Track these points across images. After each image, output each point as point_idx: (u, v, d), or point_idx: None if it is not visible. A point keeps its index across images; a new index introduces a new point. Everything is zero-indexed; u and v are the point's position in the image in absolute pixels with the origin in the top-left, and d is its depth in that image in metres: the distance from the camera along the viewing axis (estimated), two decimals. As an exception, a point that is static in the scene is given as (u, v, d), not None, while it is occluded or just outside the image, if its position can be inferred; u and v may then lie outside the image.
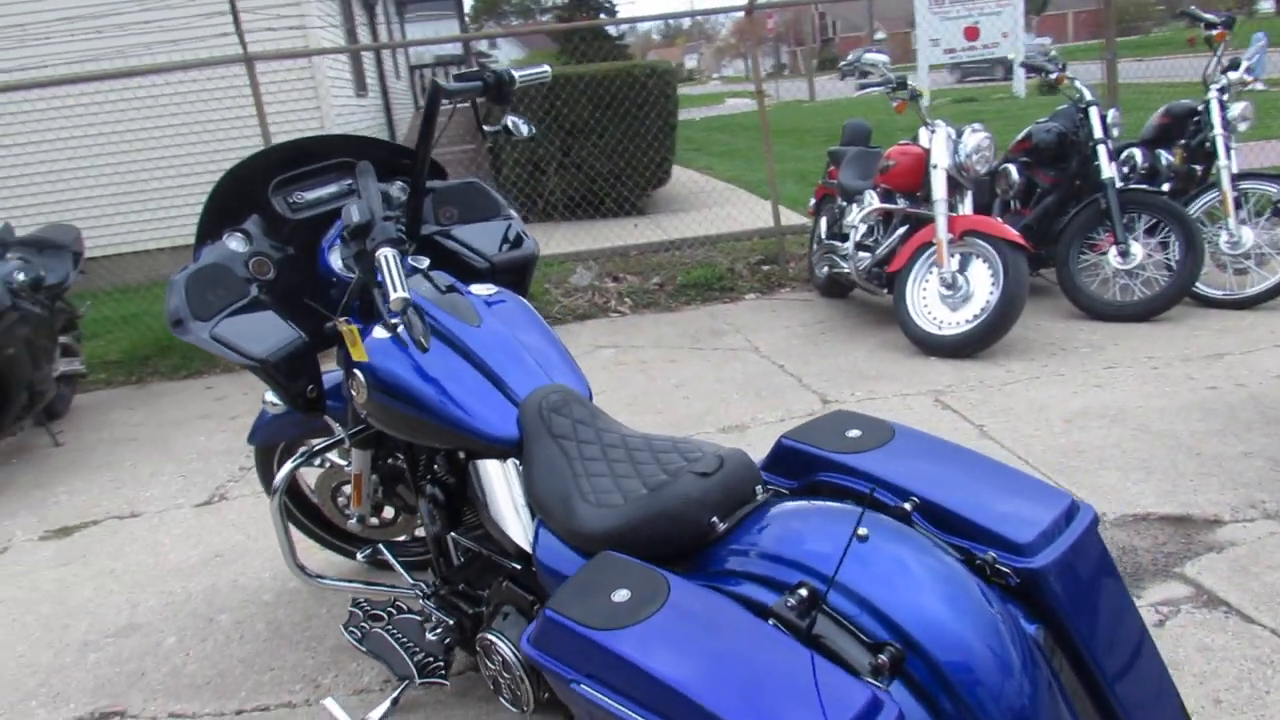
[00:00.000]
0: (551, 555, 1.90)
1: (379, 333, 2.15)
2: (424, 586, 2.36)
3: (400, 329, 2.13)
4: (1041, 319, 4.98)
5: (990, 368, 4.33)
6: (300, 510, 2.96)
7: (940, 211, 4.57)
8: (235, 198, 2.37)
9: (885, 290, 4.96)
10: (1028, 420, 3.70)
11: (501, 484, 2.07)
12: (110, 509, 3.89)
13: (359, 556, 2.62)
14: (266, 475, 2.91)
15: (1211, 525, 2.83)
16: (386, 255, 1.95)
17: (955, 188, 4.70)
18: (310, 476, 2.88)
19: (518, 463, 2.04)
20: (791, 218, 7.03)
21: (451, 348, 2.13)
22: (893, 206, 4.99)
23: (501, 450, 2.05)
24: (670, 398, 4.43)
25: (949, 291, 4.57)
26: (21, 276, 4.27)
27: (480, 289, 2.32)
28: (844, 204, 5.45)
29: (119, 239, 8.14)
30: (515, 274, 2.57)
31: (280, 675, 2.61)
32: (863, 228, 5.21)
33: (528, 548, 1.97)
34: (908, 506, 1.70)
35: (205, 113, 8.11)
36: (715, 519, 1.76)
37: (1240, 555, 2.65)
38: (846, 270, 5.17)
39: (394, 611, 2.44)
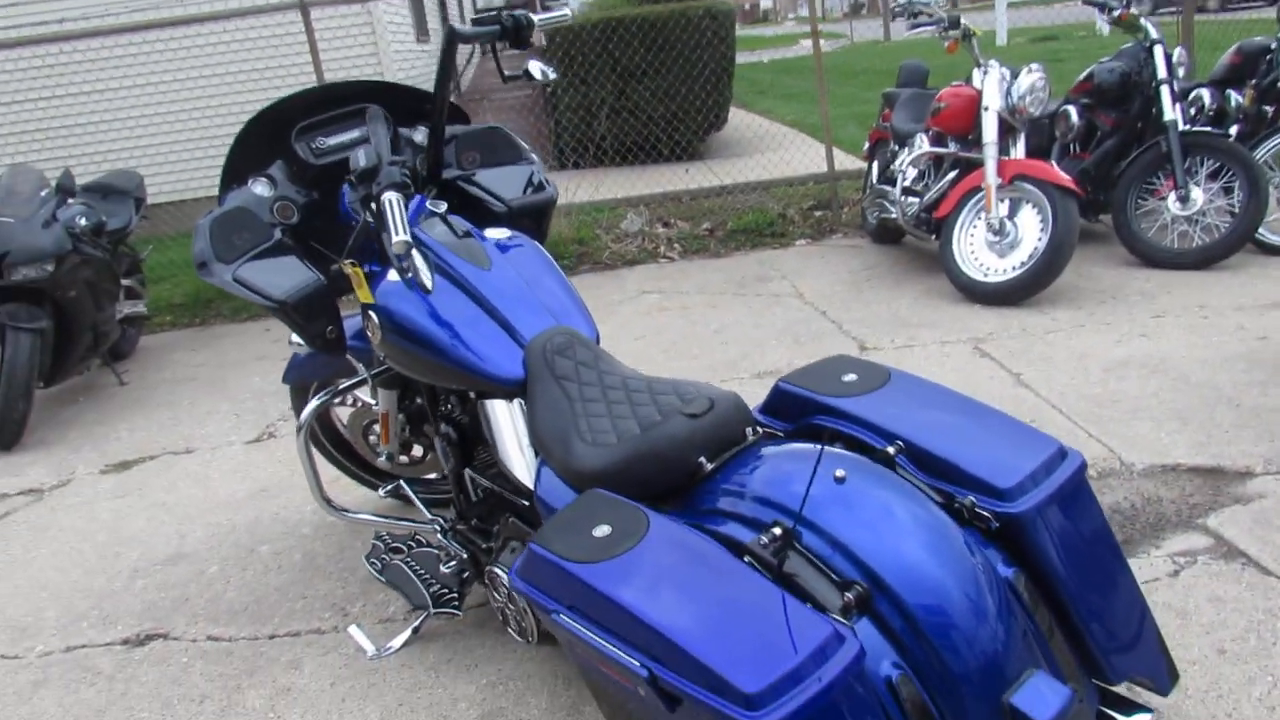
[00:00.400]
0: (550, 492, 1.96)
1: (392, 276, 2.21)
2: (441, 522, 2.44)
3: (396, 273, 2.19)
4: (1095, 266, 4.86)
5: (1035, 315, 4.25)
6: (335, 446, 3.07)
7: (990, 155, 4.46)
8: (260, 144, 2.44)
9: (933, 236, 4.87)
10: (1066, 369, 3.64)
11: (508, 423, 2.12)
12: (167, 445, 4.07)
13: (380, 492, 2.72)
14: (309, 430, 3.02)
15: (1242, 478, 2.77)
16: (390, 199, 2.00)
17: (1007, 131, 4.58)
18: (345, 414, 2.98)
19: (523, 403, 2.09)
20: (850, 162, 6.92)
21: (462, 290, 2.17)
22: (942, 150, 4.88)
23: (508, 391, 2.10)
24: (709, 343, 4.44)
25: (996, 238, 4.48)
26: (84, 221, 4.44)
27: (495, 233, 2.36)
28: (896, 148, 5.36)
29: (181, 185, 8.36)
30: (533, 218, 2.60)
31: (312, 603, 2.74)
32: (913, 172, 5.12)
33: (531, 485, 2.03)
34: (891, 450, 1.71)
35: (264, 60, 8.24)
36: (703, 459, 1.80)
37: (1266, 508, 2.59)
38: (894, 216, 5.10)
39: (413, 545, 2.53)
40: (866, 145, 5.91)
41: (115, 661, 2.60)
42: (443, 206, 2.43)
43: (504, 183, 2.62)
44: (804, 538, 1.58)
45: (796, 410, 1.94)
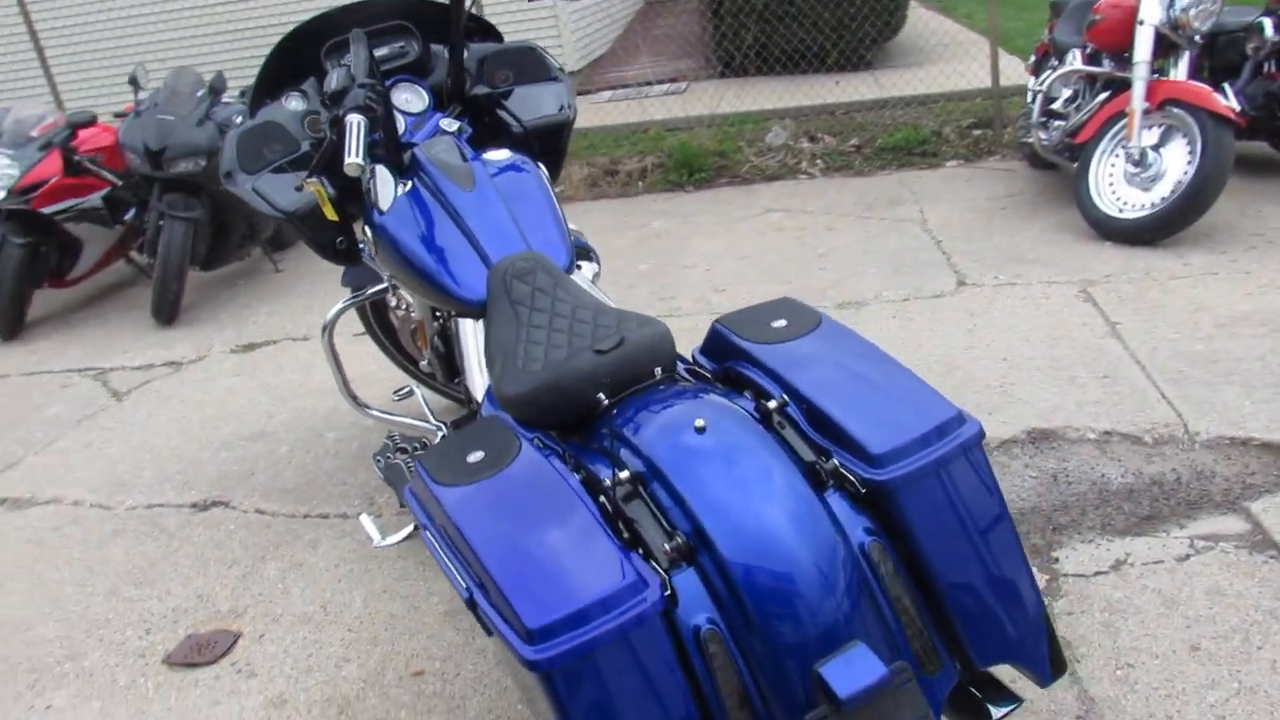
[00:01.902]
0: (488, 411, 2.04)
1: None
2: (443, 428, 2.58)
3: (401, 189, 2.29)
4: (1268, 204, 4.31)
5: (1165, 258, 3.85)
6: (389, 340, 3.27)
7: (1139, 76, 4.01)
8: (295, 60, 2.58)
9: (1075, 165, 4.47)
10: (1174, 321, 3.30)
11: (472, 343, 2.21)
12: (290, 331, 4.45)
13: (394, 395, 2.89)
14: (363, 316, 3.23)
15: (1313, 461, 2.47)
16: (351, 121, 2.09)
17: (1168, 49, 4.10)
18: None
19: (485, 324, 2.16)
20: (1024, 78, 6.38)
21: (443, 210, 2.25)
22: (1095, 69, 4.43)
23: (473, 311, 2.18)
24: (807, 267, 4.33)
25: (1136, 169, 4.06)
26: (237, 120, 4.81)
27: (495, 155, 2.41)
28: (1056, 62, 4.91)
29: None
30: (549, 139, 2.63)
31: (348, 490, 2.98)
32: (1065, 92, 4.69)
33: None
34: (772, 404, 1.66)
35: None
36: (601, 395, 1.82)
37: (1321, 498, 2.31)
38: (1031, 141, 4.70)
39: (419, 447, 2.69)
40: (1032, 59, 5.43)
41: (179, 521, 2.95)
42: (455, 126, 2.50)
43: (527, 103, 2.65)
44: (651, 485, 1.59)
45: (722, 352, 1.91)
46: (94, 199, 4.85)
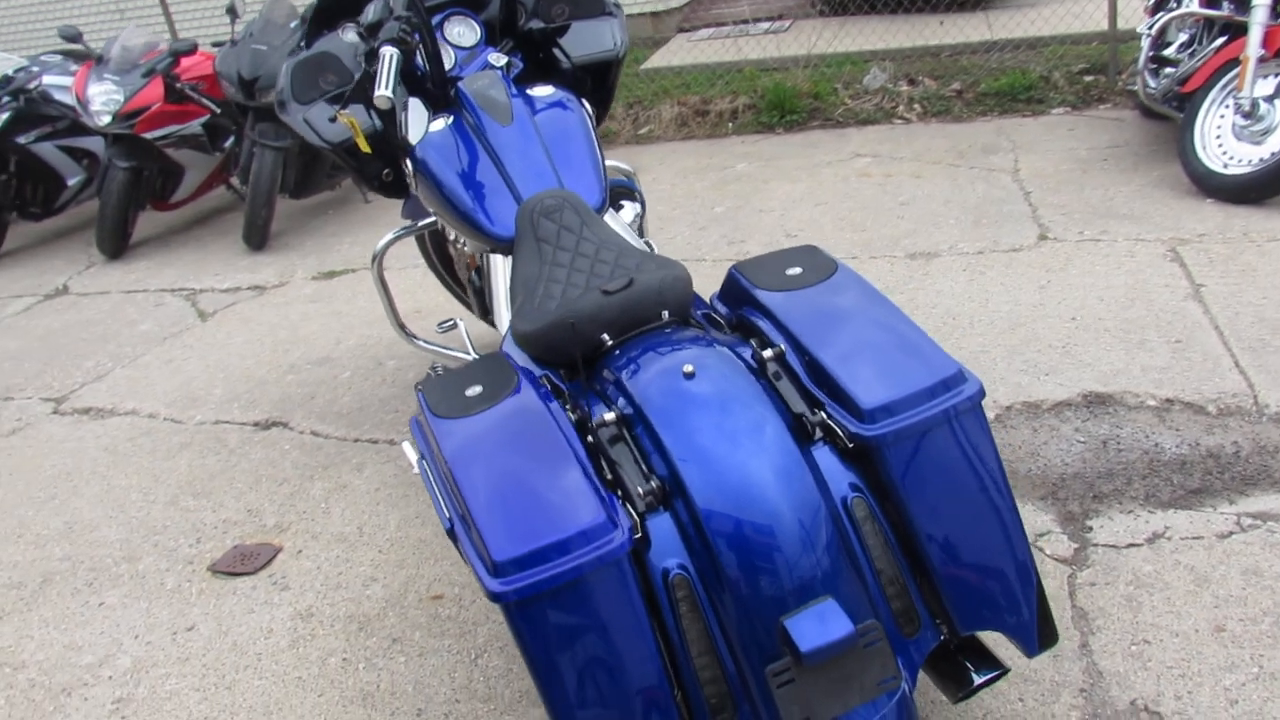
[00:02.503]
0: (508, 348, 2.06)
1: (432, 126, 2.33)
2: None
3: (443, 123, 2.31)
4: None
5: (1267, 219, 3.59)
6: (447, 272, 3.32)
7: (1258, 20, 3.71)
8: None
9: (1182, 116, 4.19)
10: (1264, 286, 3.09)
11: (501, 279, 2.23)
12: (368, 261, 4.56)
13: (437, 326, 2.93)
14: (421, 247, 3.29)
15: (1387, 442, 2.30)
16: (385, 53, 2.10)
17: (1295, -10, 3.77)
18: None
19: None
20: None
21: (480, 145, 2.26)
22: (1212, 12, 4.12)
23: (502, 247, 2.19)
24: (884, 216, 4.20)
25: (1247, 121, 3.78)
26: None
27: (538, 91, 2.40)
28: (1175, 4, 4.58)
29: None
30: (597, 75, 2.60)
31: (399, 417, 3.07)
32: (1182, 36, 4.38)
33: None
34: (769, 353, 1.63)
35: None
36: (605, 336, 1.81)
37: (1387, 482, 2.15)
38: (1136, 88, 4.42)
39: None
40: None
41: (241, 438, 3.09)
42: (503, 61, 2.49)
43: (581, 38, 2.62)
44: (636, 428, 1.58)
45: (736, 298, 1.88)
46: (194, 126, 5.04)
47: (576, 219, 2.10)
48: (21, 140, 5.10)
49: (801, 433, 1.55)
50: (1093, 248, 3.57)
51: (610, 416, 1.59)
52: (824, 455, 1.54)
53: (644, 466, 1.55)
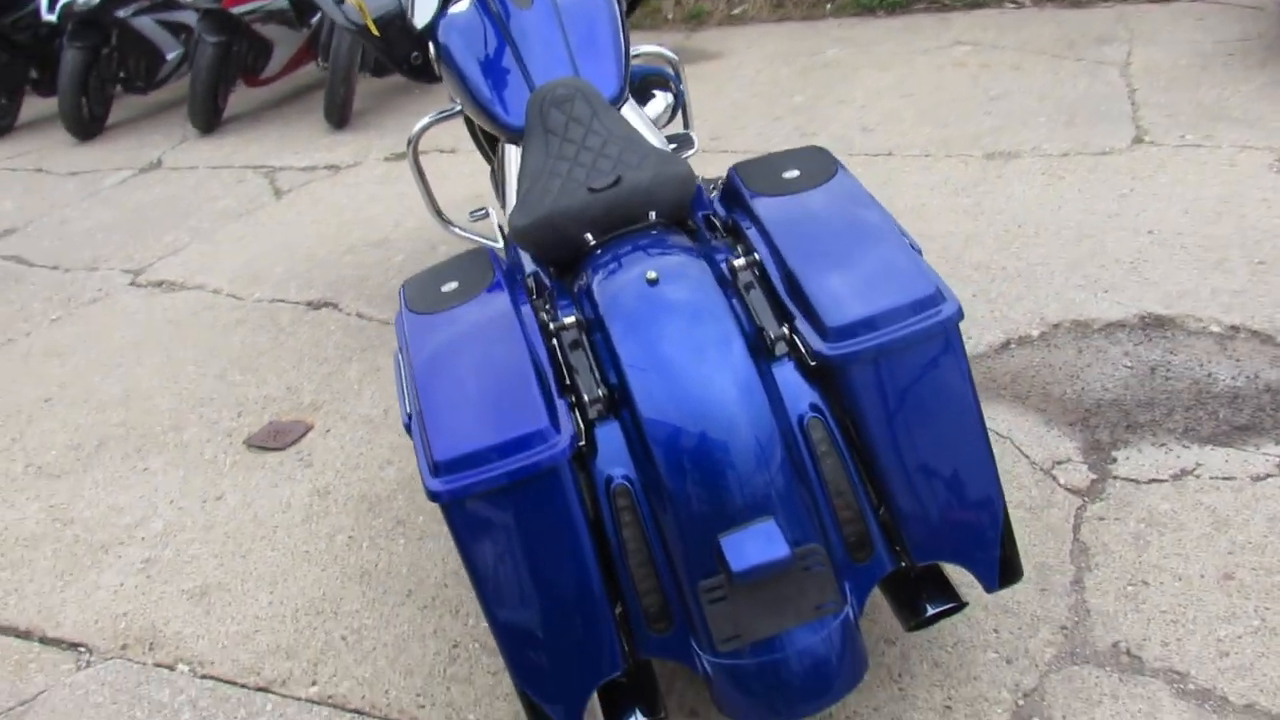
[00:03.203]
0: (506, 240, 2.04)
1: (454, 9, 2.28)
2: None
3: (465, 4, 2.25)
4: None
5: (1399, 128, 3.23)
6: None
7: None
8: None
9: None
10: (1376, 204, 2.80)
11: (511, 169, 2.19)
12: (440, 144, 4.55)
13: (469, 214, 2.91)
14: (470, 129, 3.25)
15: None
16: None
17: None
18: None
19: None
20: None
21: (499, 29, 2.20)
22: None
23: (514, 136, 2.15)
24: (970, 111, 3.94)
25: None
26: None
27: None
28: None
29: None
30: None
31: (441, 304, 3.10)
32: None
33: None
34: (740, 262, 1.56)
35: None
36: (589, 235, 1.77)
37: None
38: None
39: None
40: None
41: (292, 317, 3.19)
42: None
43: None
44: (595, 333, 1.55)
45: (733, 200, 1.80)
46: (280, 1, 5.06)
47: (587, 110, 2.03)
48: (121, 14, 5.23)
49: (763, 348, 1.49)
50: (1191, 154, 3.28)
51: (570, 320, 1.56)
52: (786, 372, 1.48)
53: (598, 374, 1.52)
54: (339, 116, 4.91)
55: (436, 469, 1.40)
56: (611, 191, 1.77)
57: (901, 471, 1.45)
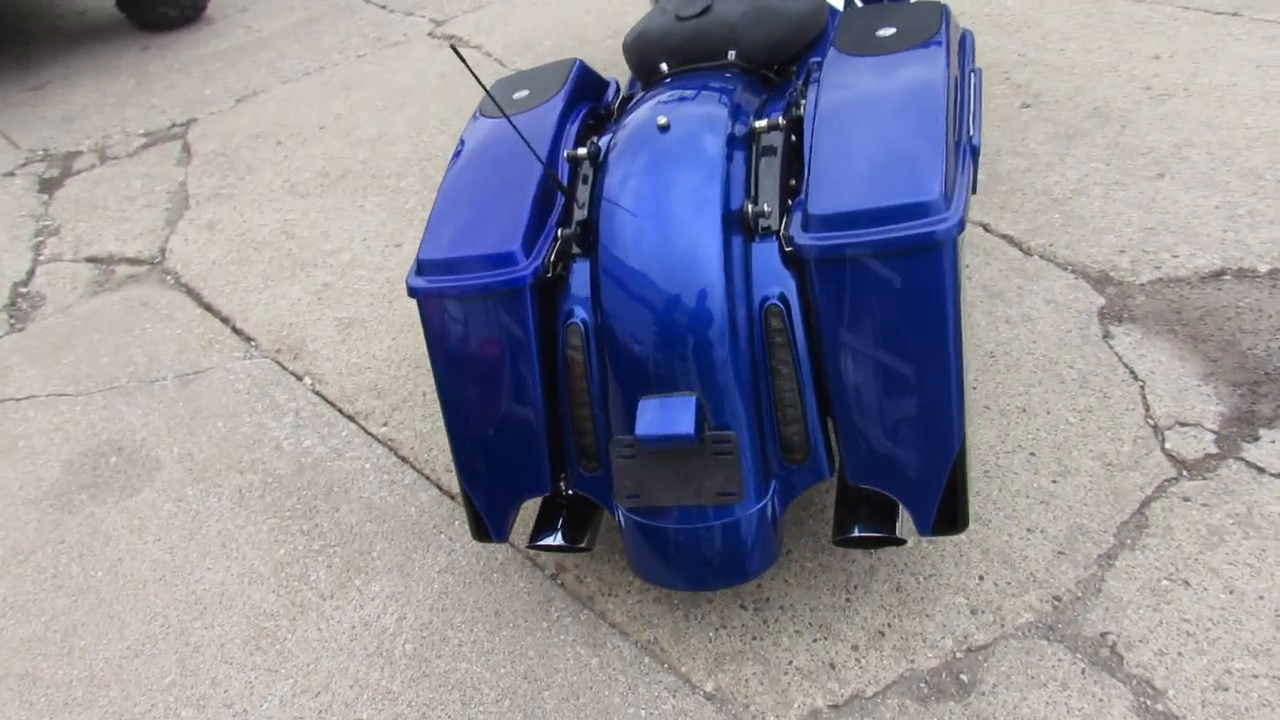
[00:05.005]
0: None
1: None
2: None
3: None
4: None
5: None
6: None
7: None
8: None
9: None
10: None
11: None
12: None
13: None
14: None
15: None
16: None
17: None
18: None
19: None
20: None
21: None
22: None
23: None
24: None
25: None
26: None
27: None
28: None
29: None
30: None
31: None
32: None
33: None
34: (763, 124, 1.44)
35: None
36: (664, 64, 1.70)
37: None
38: None
39: None
40: None
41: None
42: None
43: None
44: (599, 171, 1.52)
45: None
46: None
47: None
48: None
49: (743, 223, 1.39)
50: None
51: (582, 152, 1.54)
52: (764, 252, 1.39)
53: (588, 209, 1.51)
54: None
55: (420, 267, 1.50)
56: (694, 22, 1.68)
57: (849, 387, 1.33)
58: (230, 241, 2.86)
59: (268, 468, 2.05)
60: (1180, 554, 1.56)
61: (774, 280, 1.37)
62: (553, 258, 1.46)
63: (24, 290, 2.81)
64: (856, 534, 1.41)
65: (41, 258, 2.94)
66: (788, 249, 1.35)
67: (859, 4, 2.10)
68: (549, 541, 1.54)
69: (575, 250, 1.49)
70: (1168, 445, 1.74)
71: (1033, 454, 1.76)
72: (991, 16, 3.23)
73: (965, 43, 1.70)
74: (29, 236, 3.05)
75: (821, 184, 1.33)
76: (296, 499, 1.96)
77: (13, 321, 2.68)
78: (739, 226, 1.38)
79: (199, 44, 4.26)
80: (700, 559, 1.40)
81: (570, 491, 1.54)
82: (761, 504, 1.39)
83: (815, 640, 1.53)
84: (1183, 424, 1.77)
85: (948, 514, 1.35)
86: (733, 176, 1.41)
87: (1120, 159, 2.47)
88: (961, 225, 1.25)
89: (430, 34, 3.95)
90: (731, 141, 1.44)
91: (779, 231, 1.39)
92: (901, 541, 1.40)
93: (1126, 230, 2.24)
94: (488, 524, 1.55)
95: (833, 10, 2.00)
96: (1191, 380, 1.85)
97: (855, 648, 1.51)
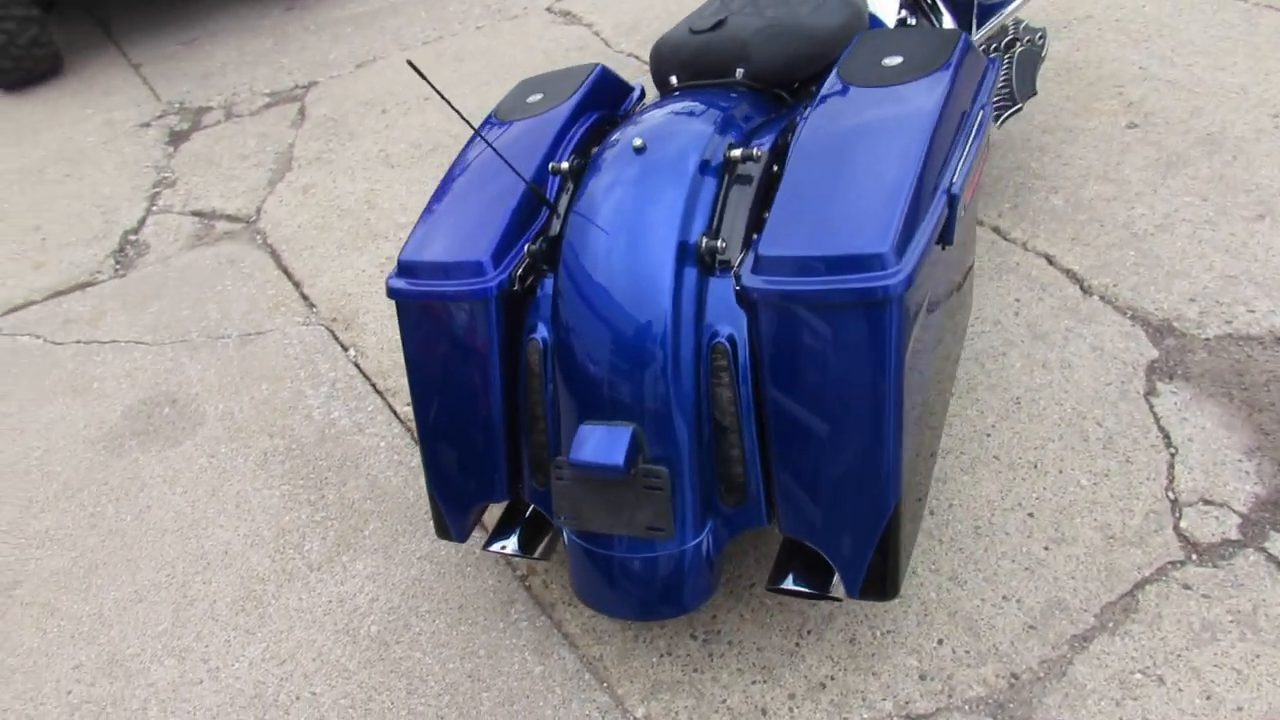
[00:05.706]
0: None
1: None
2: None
3: None
4: None
5: None
6: None
7: None
8: None
9: None
10: None
11: None
12: None
13: None
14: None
15: None
16: None
17: None
18: None
19: None
20: None
21: None
22: None
23: None
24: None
25: None
26: None
27: None
28: None
29: None
30: None
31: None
32: None
33: None
34: (737, 153, 1.39)
35: None
36: (674, 77, 1.67)
37: None
38: None
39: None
40: None
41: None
42: None
43: None
44: (577, 186, 1.50)
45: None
46: None
47: None
48: None
49: (698, 256, 1.35)
50: None
51: (565, 166, 1.53)
52: (721, 288, 1.35)
53: (560, 222, 1.50)
54: None
55: (400, 268, 1.53)
56: (706, 36, 1.63)
57: (783, 437, 1.29)
58: (319, 206, 2.98)
59: (295, 434, 2.15)
60: (1163, 647, 1.44)
61: (725, 318, 1.33)
62: (519, 271, 1.46)
63: (133, 238, 3.02)
64: (786, 586, 1.36)
65: (155, 208, 3.15)
66: (736, 288, 1.31)
67: (911, 22, 1.99)
68: (503, 547, 1.56)
69: (544, 266, 1.48)
70: (1183, 524, 1.60)
71: (1031, 515, 1.65)
72: (1121, 23, 2.99)
73: (986, 77, 1.58)
74: (148, 186, 3.27)
75: (779, 223, 1.28)
76: (312, 468, 2.05)
77: (117, 267, 2.89)
78: (694, 259, 1.35)
79: (337, 6, 4.43)
80: (629, 588, 1.39)
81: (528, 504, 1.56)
82: (696, 541, 1.36)
83: (754, 682, 1.50)
84: (1207, 501, 1.62)
85: (876, 579, 1.29)
86: (698, 206, 1.37)
87: (1220, 194, 2.25)
88: (909, 281, 1.18)
89: (548, 8, 3.98)
90: (704, 169, 1.40)
91: (735, 268, 1.35)
92: (836, 599, 1.35)
93: (1204, 276, 2.05)
94: (448, 523, 1.58)
95: (874, 20, 1.90)
96: (1233, 454, 1.69)
97: (792, 696, 1.47)
